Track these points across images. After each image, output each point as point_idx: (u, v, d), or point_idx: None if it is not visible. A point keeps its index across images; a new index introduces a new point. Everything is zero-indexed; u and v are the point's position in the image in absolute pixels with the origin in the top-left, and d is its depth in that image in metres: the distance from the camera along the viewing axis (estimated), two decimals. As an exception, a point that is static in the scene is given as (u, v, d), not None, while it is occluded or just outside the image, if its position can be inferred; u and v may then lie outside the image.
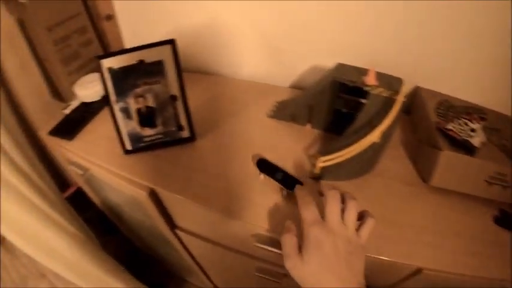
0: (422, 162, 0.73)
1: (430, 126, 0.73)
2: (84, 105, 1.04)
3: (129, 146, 0.80)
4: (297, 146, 0.79)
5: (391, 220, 0.63)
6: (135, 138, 0.79)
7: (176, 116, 0.78)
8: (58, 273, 1.24)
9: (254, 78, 1.08)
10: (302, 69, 0.99)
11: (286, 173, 0.69)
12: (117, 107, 0.76)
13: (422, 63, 0.82)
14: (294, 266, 0.45)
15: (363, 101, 0.68)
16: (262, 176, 0.71)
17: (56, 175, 1.41)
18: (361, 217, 0.51)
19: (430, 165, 0.68)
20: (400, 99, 0.62)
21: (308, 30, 0.89)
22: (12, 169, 1.02)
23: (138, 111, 0.77)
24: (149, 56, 0.72)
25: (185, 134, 0.81)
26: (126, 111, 0.76)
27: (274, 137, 0.82)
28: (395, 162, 0.74)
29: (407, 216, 0.65)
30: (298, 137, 0.81)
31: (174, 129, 0.80)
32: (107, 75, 0.73)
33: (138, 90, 0.74)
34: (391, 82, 0.67)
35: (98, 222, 1.51)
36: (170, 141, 0.81)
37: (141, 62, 0.72)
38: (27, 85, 1.15)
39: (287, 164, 0.74)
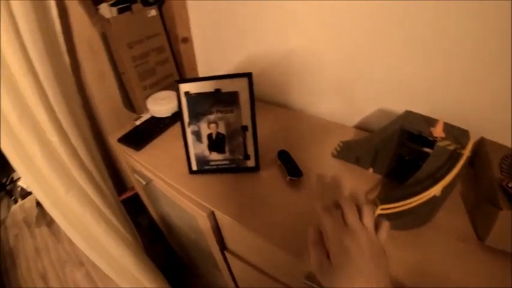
0: (479, 219, 0.67)
1: (491, 181, 0.67)
2: (154, 119, 1.09)
3: (195, 167, 0.83)
4: (358, 189, 0.76)
5: (442, 275, 0.60)
6: (202, 160, 0.82)
7: (244, 145, 0.80)
8: (97, 265, 1.30)
9: (320, 114, 1.07)
10: (369, 111, 0.96)
11: (296, 165, 0.80)
12: (189, 130, 0.80)
13: (489, 114, 0.76)
14: (326, 273, 0.45)
15: (428, 150, 0.66)
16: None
17: (116, 177, 1.47)
18: (376, 223, 0.50)
19: (487, 224, 0.63)
20: (466, 154, 0.60)
21: (379, 73, 0.87)
22: (79, 167, 1.09)
23: (209, 136, 0.80)
24: (226, 86, 0.75)
25: (251, 163, 0.82)
26: (197, 135, 0.80)
27: (337, 178, 0.80)
28: (452, 215, 0.69)
29: (459, 273, 0.60)
30: (359, 180, 0.78)
31: (240, 157, 0.81)
32: (184, 99, 0.77)
33: (211, 117, 0.77)
34: (457, 135, 0.65)
35: (147, 228, 1.56)
36: (235, 168, 0.82)
37: (218, 90, 0.75)
38: (103, 92, 1.23)
39: None
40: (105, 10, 1.07)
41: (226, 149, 0.81)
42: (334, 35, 0.89)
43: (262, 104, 1.15)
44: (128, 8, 1.08)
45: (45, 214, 2.79)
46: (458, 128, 0.67)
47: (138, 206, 1.37)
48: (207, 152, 0.82)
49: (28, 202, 2.97)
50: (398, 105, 0.82)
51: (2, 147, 0.92)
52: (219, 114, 0.77)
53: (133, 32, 1.10)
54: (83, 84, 1.18)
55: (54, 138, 0.99)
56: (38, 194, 1.05)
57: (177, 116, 1.09)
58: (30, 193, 2.64)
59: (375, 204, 0.69)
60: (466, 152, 0.60)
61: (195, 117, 0.78)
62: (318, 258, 0.47)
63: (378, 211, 0.63)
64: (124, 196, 1.41)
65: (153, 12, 1.14)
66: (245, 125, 0.78)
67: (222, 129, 0.79)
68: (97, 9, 1.07)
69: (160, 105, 1.08)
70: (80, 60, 1.13)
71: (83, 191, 1.12)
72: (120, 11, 1.08)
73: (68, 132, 1.04)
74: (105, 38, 1.11)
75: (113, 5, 1.07)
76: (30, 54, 0.88)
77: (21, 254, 2.53)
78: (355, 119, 1.01)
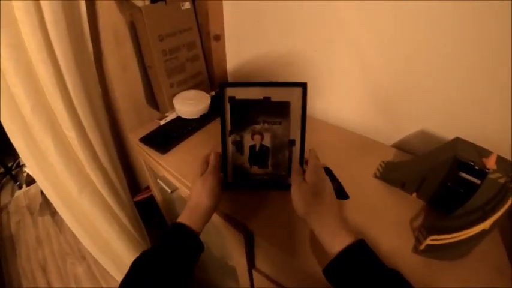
0: None
1: None
2: (180, 120, 0.99)
3: (231, 179, 0.73)
4: (402, 214, 0.71)
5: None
6: (241, 173, 0.72)
7: (290, 161, 0.70)
8: (99, 261, 1.22)
9: (356, 130, 0.98)
10: (410, 131, 0.89)
11: (342, 186, 0.76)
12: (230, 139, 0.69)
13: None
14: (303, 192, 0.57)
15: (477, 181, 0.63)
16: None
17: (131, 177, 1.36)
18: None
19: None
20: None
21: (424, 93, 0.81)
22: (94, 166, 0.97)
23: (252, 148, 0.70)
24: (276, 94, 0.65)
25: None
26: (238, 145, 0.70)
27: (380, 200, 0.75)
28: (492, 246, 0.66)
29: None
30: (404, 205, 0.73)
31: (284, 173, 0.72)
32: (228, 105, 0.67)
33: (257, 127, 0.68)
34: (507, 167, 0.62)
35: (159, 232, 1.48)
36: (276, 185, 0.73)
37: (267, 99, 0.66)
38: (125, 86, 1.12)
39: (390, 232, 0.67)
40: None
41: (269, 163, 0.71)
42: (385, 48, 0.82)
43: None
44: None
45: (50, 203, 2.71)
46: (507, 160, 0.64)
47: (151, 208, 1.27)
48: (247, 165, 0.72)
49: (33, 189, 2.88)
50: (442, 129, 0.83)
51: (11, 138, 0.83)
52: (266, 125, 0.67)
53: (166, 24, 0.99)
54: (104, 75, 1.06)
55: (70, 132, 0.89)
56: (48, 191, 0.96)
57: (206, 119, 1.00)
58: (35, 180, 2.57)
59: (420, 232, 0.66)
60: (518, 185, 0.58)
61: (239, 125, 0.68)
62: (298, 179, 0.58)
63: (428, 241, 0.62)
64: (138, 198, 1.31)
65: (187, 4, 1.03)
66: (293, 139, 0.68)
67: (267, 142, 0.69)
68: None
69: (189, 105, 0.99)
70: (102, 49, 1.02)
71: (97, 192, 1.02)
72: (153, 0, 0.98)
73: (86, 127, 0.93)
74: (133, 28, 1.00)
75: None
76: (52, 38, 0.77)
77: (22, 241, 2.43)
78: (395, 138, 0.94)
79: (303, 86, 0.64)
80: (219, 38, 1.16)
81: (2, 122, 0.80)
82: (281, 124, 0.67)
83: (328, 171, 0.78)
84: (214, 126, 1.00)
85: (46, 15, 0.74)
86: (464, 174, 0.66)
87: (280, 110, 0.66)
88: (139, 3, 0.97)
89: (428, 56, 0.76)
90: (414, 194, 0.76)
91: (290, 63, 1.04)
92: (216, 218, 0.73)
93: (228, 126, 0.68)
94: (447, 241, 0.60)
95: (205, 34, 1.13)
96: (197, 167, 0.65)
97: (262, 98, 0.65)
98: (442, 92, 0.79)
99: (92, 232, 1.08)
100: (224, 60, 1.25)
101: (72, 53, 0.83)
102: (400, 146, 0.93)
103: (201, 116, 1.00)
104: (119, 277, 1.21)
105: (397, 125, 0.91)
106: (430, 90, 0.80)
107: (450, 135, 0.73)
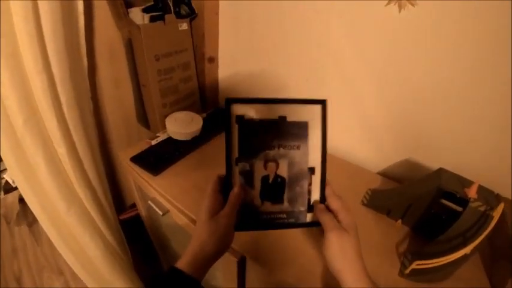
0: (495, 273, 0.70)
1: (506, 239, 0.71)
2: (172, 141, 0.96)
3: (239, 222, 0.54)
4: (387, 240, 0.74)
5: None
6: (249, 211, 0.55)
7: (309, 193, 0.56)
8: (78, 276, 1.18)
9: (344, 157, 0.99)
10: (396, 160, 0.91)
11: None
12: (237, 168, 0.53)
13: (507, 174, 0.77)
14: (338, 228, 0.50)
15: (459, 209, 0.66)
16: None
17: (116, 195, 1.31)
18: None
19: (503, 278, 0.65)
20: (497, 216, 0.61)
21: (411, 124, 0.84)
22: (83, 183, 0.92)
23: (264, 179, 0.54)
24: (293, 113, 0.54)
25: (313, 217, 0.57)
26: (247, 176, 0.54)
27: (366, 226, 0.77)
28: (474, 269, 0.70)
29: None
30: (389, 231, 0.76)
31: (302, 209, 0.57)
32: (235, 126, 0.53)
33: (271, 153, 0.54)
34: (487, 196, 0.66)
35: (143, 251, 1.42)
36: (293, 224, 0.57)
37: (283, 119, 0.54)
38: (116, 101, 1.08)
39: (376, 257, 0.69)
40: (137, 15, 0.95)
41: (285, 197, 0.56)
42: (375, 79, 0.85)
43: None
44: (161, 18, 0.96)
45: (27, 213, 2.61)
46: (490, 191, 0.68)
47: (137, 228, 1.22)
48: (258, 201, 0.55)
49: (10, 197, 2.76)
50: (426, 159, 0.86)
51: (0, 151, 0.81)
52: (282, 151, 0.54)
53: (163, 44, 0.98)
54: (96, 90, 1.02)
55: (61, 148, 0.85)
56: (34, 207, 0.91)
57: (198, 141, 0.96)
58: (15, 188, 2.48)
59: (405, 257, 0.69)
60: (497, 214, 0.62)
61: (249, 152, 0.54)
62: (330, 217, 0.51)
63: (413, 266, 0.64)
64: (124, 216, 1.26)
65: (184, 25, 1.03)
66: (312, 167, 0.56)
67: (283, 171, 0.55)
68: (127, 13, 0.94)
69: (182, 127, 0.96)
70: (96, 63, 0.98)
71: (84, 209, 0.97)
72: (152, 19, 0.96)
73: (76, 142, 0.88)
74: (129, 45, 0.97)
75: (145, 10, 0.96)
76: (48, 50, 0.74)
77: None
78: (381, 165, 0.96)
79: (323, 103, 0.56)
80: (213, 60, 1.15)
81: None
82: (299, 149, 0.55)
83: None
84: (207, 149, 0.98)
85: (44, 24, 0.71)
86: (447, 202, 0.70)
87: (299, 131, 0.55)
88: (138, 21, 0.95)
89: (416, 88, 0.78)
90: (399, 221, 0.78)
91: (282, 88, 1.03)
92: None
93: (236, 153, 0.54)
94: (431, 265, 0.63)
95: (199, 56, 1.12)
96: (206, 197, 0.52)
97: (277, 117, 0.54)
98: (427, 124, 0.81)
99: (76, 249, 1.03)
100: (217, 82, 1.24)
101: (67, 66, 0.79)
102: (386, 174, 0.95)
103: (192, 138, 0.97)
104: (93, 286, 1.18)
105: (384, 154, 0.93)
106: (416, 122, 0.82)
107: (434, 165, 0.77)
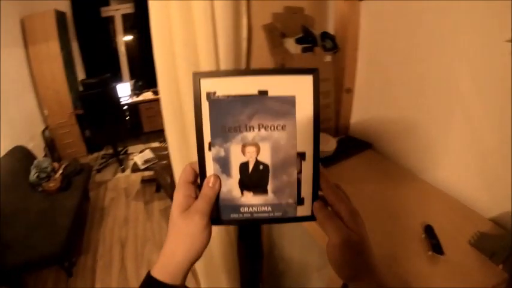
0: None
1: None
2: None
3: (215, 214, 0.46)
4: (485, 281, 0.75)
5: None
6: (227, 204, 0.47)
7: (299, 183, 0.46)
8: None
9: (459, 197, 0.97)
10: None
11: (439, 243, 0.76)
12: (210, 154, 0.45)
13: None
14: (342, 228, 0.43)
15: None
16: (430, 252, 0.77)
17: None
18: None
19: None
20: None
21: None
22: None
23: (243, 166, 0.45)
24: (276, 86, 0.43)
25: (304, 210, 0.47)
26: (223, 163, 0.45)
27: (468, 265, 0.78)
28: None
29: None
30: (490, 274, 0.76)
31: (290, 201, 0.47)
32: (205, 104, 0.43)
33: (250, 135, 0.44)
34: None
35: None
36: (280, 219, 0.47)
37: (263, 94, 0.43)
38: None
39: None
40: (291, 45, 1.09)
41: (269, 187, 0.46)
42: (499, 127, 0.84)
43: (380, 157, 1.13)
44: (311, 49, 1.10)
45: (146, 193, 2.94)
46: None
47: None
48: (236, 192, 0.46)
49: (134, 176, 3.17)
50: None
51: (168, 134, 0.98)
52: (263, 132, 0.44)
53: None
54: None
55: None
56: None
57: (328, 161, 1.05)
58: (139, 169, 2.83)
59: None
60: None
61: (222, 134, 0.44)
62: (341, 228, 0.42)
63: None
64: None
65: (328, 58, 1.13)
66: (302, 152, 0.45)
67: (265, 157, 0.45)
68: (281, 42, 1.09)
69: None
70: None
71: None
72: (303, 50, 1.10)
73: None
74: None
75: (297, 41, 1.10)
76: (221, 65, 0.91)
77: (111, 215, 2.67)
78: (494, 211, 0.93)
79: (314, 73, 0.43)
80: (350, 91, 1.24)
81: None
82: (284, 129, 0.44)
83: (429, 228, 0.82)
84: (337, 169, 1.07)
85: (220, 44, 0.88)
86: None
87: (283, 108, 0.44)
88: (292, 50, 1.09)
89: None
90: (501, 266, 0.79)
91: (411, 127, 1.07)
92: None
93: (207, 137, 0.45)
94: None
95: (338, 86, 1.23)
96: (176, 190, 0.44)
97: (256, 92, 0.43)
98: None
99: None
100: (349, 112, 1.32)
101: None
102: (497, 220, 0.92)
103: (325, 157, 1.06)
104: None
105: (500, 201, 0.90)
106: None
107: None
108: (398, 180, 1.04)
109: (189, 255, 0.42)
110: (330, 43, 1.17)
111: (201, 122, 0.44)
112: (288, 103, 0.43)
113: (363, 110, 1.28)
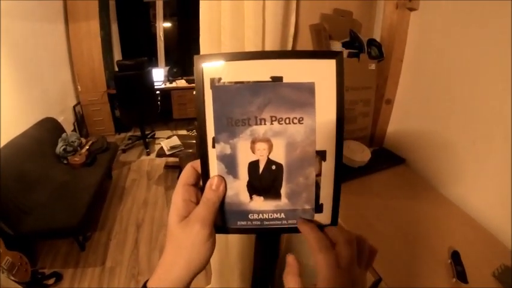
0: None
1: None
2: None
3: (220, 221, 0.39)
4: None
5: None
6: (235, 210, 0.40)
7: (317, 187, 0.39)
8: None
9: (487, 225, 0.94)
10: None
11: (464, 270, 0.74)
12: (214, 151, 0.38)
13: None
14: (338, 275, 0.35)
15: None
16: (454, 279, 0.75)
17: None
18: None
19: None
20: None
21: None
22: None
23: (252, 166, 0.38)
24: (292, 72, 0.36)
25: (323, 219, 0.40)
26: (228, 162, 0.38)
27: None
28: None
29: None
30: None
31: (307, 207, 0.39)
32: (209, 93, 0.36)
33: (260, 129, 0.37)
34: None
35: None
36: (294, 228, 0.40)
37: (277, 80, 0.36)
38: None
39: None
40: (337, 48, 1.06)
41: (283, 191, 0.39)
42: None
43: (411, 173, 1.10)
44: (356, 55, 1.07)
45: (168, 178, 2.94)
46: None
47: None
48: (244, 196, 0.39)
49: (158, 161, 3.17)
50: None
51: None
52: (276, 125, 0.36)
53: (354, 78, 1.08)
54: None
55: None
56: None
57: (362, 171, 1.02)
58: (165, 155, 2.85)
59: None
60: None
61: (228, 128, 0.37)
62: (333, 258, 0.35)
63: None
64: None
65: (373, 66, 1.11)
66: (323, 150, 0.37)
67: (278, 155, 0.37)
68: (328, 44, 1.05)
69: (353, 154, 1.04)
70: None
71: None
72: (349, 55, 1.08)
73: None
74: None
75: (344, 45, 1.08)
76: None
77: (130, 196, 2.69)
78: None
79: (337, 56, 0.35)
80: (390, 102, 1.22)
81: None
82: (302, 123, 0.37)
83: (456, 254, 0.80)
84: (370, 180, 1.05)
85: (267, 35, 0.87)
86: None
87: (300, 98, 0.36)
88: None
89: None
90: None
91: (448, 147, 1.04)
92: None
93: (212, 131, 0.37)
94: None
95: (379, 95, 1.20)
96: (174, 194, 0.38)
97: (269, 78, 0.36)
98: None
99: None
100: (387, 123, 1.29)
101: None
102: None
103: (358, 167, 1.04)
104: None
105: None
106: None
107: None
108: (429, 201, 1.01)
109: (189, 270, 0.36)
110: (376, 51, 1.14)
111: (204, 113, 0.37)
112: (306, 91, 0.36)
113: (400, 123, 1.25)
